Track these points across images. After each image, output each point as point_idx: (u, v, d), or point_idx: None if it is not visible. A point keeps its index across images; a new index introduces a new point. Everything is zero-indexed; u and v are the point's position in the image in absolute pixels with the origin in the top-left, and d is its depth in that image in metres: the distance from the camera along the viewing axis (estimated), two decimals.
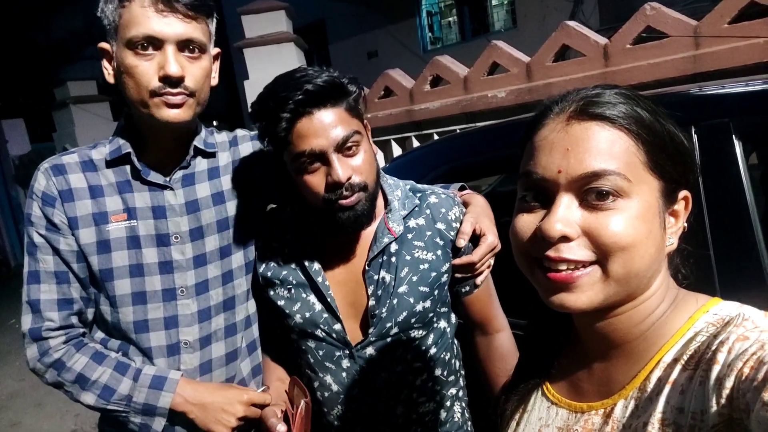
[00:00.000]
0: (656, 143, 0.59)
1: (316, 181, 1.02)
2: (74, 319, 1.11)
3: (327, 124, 0.99)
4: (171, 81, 1.01)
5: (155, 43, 1.01)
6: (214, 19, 1.12)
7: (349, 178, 1.01)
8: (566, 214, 0.58)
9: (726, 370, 0.49)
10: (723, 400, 0.49)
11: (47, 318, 1.08)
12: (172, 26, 1.01)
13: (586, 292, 0.58)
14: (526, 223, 0.63)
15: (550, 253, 0.59)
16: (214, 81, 1.15)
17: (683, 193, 0.62)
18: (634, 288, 0.60)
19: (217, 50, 1.16)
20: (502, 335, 1.22)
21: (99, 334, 1.18)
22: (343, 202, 1.02)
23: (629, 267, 0.57)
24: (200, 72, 1.06)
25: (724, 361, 0.51)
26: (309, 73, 1.01)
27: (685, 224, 0.63)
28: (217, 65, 1.17)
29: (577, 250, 0.58)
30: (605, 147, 0.57)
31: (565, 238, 0.58)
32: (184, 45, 1.04)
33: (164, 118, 1.04)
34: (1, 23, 13.26)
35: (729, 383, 0.48)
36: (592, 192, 0.57)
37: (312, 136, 0.98)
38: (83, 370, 1.08)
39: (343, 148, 1.01)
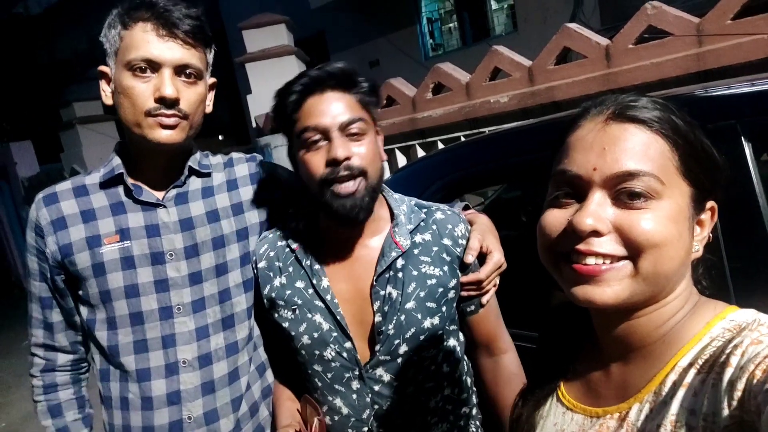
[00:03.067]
0: (690, 151, 0.61)
1: (317, 160, 1.03)
2: (54, 341, 1.21)
3: (334, 105, 1.02)
4: (166, 102, 1.05)
5: (153, 66, 1.05)
6: (212, 50, 1.17)
7: (349, 159, 1.02)
8: (598, 210, 0.59)
9: (738, 373, 0.50)
10: (734, 402, 0.49)
11: (33, 334, 1.22)
12: (172, 51, 1.06)
13: (612, 286, 0.59)
14: (556, 217, 0.64)
15: (581, 246, 0.60)
16: (209, 108, 1.20)
17: (710, 203, 0.63)
18: (660, 289, 0.60)
19: (213, 80, 1.20)
20: (508, 356, 1.20)
21: (98, 365, 1.20)
22: (339, 187, 1.02)
23: (659, 266, 0.58)
24: (195, 97, 1.10)
25: (737, 364, 0.51)
26: (328, 63, 1.06)
27: (710, 234, 0.64)
28: (212, 95, 1.21)
29: (608, 245, 0.59)
30: (641, 148, 0.59)
31: (596, 233, 0.59)
32: (181, 70, 1.08)
33: (156, 139, 1.07)
34: (6, 46, 13.46)
35: (741, 385, 0.49)
36: (625, 191, 0.58)
37: (319, 113, 1.02)
38: (39, 413, 1.23)
39: (347, 130, 1.03)
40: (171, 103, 1.05)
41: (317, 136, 1.02)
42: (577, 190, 0.62)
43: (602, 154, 0.60)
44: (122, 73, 1.06)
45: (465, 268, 1.13)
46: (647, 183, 0.58)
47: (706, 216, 0.63)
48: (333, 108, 1.02)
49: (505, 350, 1.20)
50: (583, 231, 0.59)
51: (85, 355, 1.25)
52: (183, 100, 1.07)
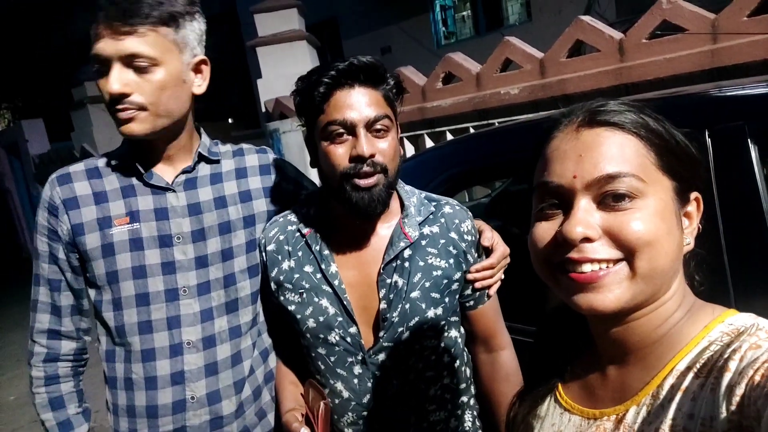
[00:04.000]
0: (665, 146, 0.61)
1: (341, 152, 1.04)
2: (61, 325, 1.20)
3: (362, 100, 1.03)
4: (113, 97, 1.05)
5: (104, 62, 1.05)
6: (183, 27, 1.10)
7: (373, 156, 1.03)
8: (586, 216, 0.59)
9: (737, 378, 0.50)
10: (733, 407, 0.49)
11: (38, 320, 1.20)
12: (114, 44, 1.04)
13: (613, 290, 0.59)
14: (545, 230, 0.64)
15: (573, 254, 0.60)
16: (200, 90, 1.17)
17: (694, 194, 0.64)
18: (658, 287, 0.60)
19: (199, 58, 1.15)
20: (506, 353, 1.22)
21: (103, 346, 1.22)
22: (361, 181, 1.03)
23: (655, 263, 0.58)
24: (150, 85, 1.07)
25: (736, 368, 0.51)
26: (356, 55, 1.06)
27: (699, 225, 0.64)
28: (206, 73, 1.17)
29: (602, 249, 0.59)
30: (616, 151, 0.59)
31: (587, 240, 0.59)
32: (129, 60, 1.05)
33: (121, 132, 1.09)
34: (20, 25, 13.47)
35: (740, 390, 0.49)
36: (608, 195, 0.59)
37: (347, 107, 1.02)
38: (38, 405, 1.21)
39: (373, 127, 1.04)
40: (117, 98, 1.05)
41: (343, 130, 1.03)
42: (562, 200, 0.63)
43: (580, 161, 0.60)
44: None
45: (469, 263, 1.16)
46: (629, 183, 0.58)
47: (692, 207, 0.64)
48: (361, 103, 1.03)
49: (503, 347, 1.22)
50: (574, 239, 0.59)
51: (86, 346, 1.26)
52: (137, 91, 1.05)
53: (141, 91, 1.06)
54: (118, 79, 1.04)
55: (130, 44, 1.03)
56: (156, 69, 1.07)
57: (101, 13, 1.03)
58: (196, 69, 1.15)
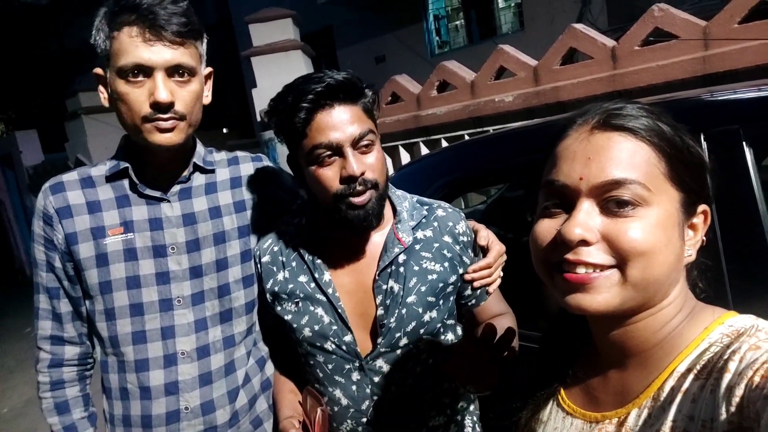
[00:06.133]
0: (677, 156, 0.60)
1: (330, 174, 1.03)
2: (63, 331, 1.20)
3: (345, 119, 1.02)
4: (161, 107, 1.05)
5: (145, 70, 1.04)
6: (204, 41, 1.15)
7: (363, 174, 1.03)
8: (586, 220, 0.59)
9: (737, 379, 0.50)
10: (733, 408, 0.49)
11: (40, 327, 1.20)
12: (161, 53, 1.04)
13: (602, 293, 0.59)
14: (546, 227, 0.64)
15: (569, 256, 0.60)
16: (207, 100, 1.18)
17: (702, 207, 0.63)
18: (651, 295, 0.60)
19: (209, 70, 1.19)
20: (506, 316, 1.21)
21: (98, 356, 1.21)
22: (355, 200, 1.03)
23: (648, 273, 0.58)
24: (190, 96, 1.10)
25: (735, 369, 0.51)
26: (328, 72, 1.04)
27: (704, 238, 0.64)
28: (209, 84, 1.20)
29: (596, 254, 0.59)
30: (626, 157, 0.59)
31: (585, 242, 0.59)
32: (173, 70, 1.07)
33: (156, 142, 1.08)
34: (13, 36, 13.48)
35: (739, 391, 0.49)
36: (612, 200, 0.59)
37: (330, 129, 1.01)
38: (45, 409, 1.20)
39: (359, 144, 1.03)
40: (166, 107, 1.05)
41: (329, 152, 1.02)
42: (566, 200, 0.63)
43: (588, 164, 0.60)
44: (116, 80, 1.06)
45: (465, 265, 1.16)
46: (634, 191, 0.58)
47: (698, 220, 0.63)
48: (344, 122, 1.01)
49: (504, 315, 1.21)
50: (572, 241, 0.59)
51: (90, 350, 1.25)
52: (178, 101, 1.07)
53: (182, 101, 1.08)
54: (167, 87, 1.05)
55: (176, 55, 1.05)
56: (193, 80, 1.10)
57: (137, 20, 1.02)
58: (205, 80, 1.18)
